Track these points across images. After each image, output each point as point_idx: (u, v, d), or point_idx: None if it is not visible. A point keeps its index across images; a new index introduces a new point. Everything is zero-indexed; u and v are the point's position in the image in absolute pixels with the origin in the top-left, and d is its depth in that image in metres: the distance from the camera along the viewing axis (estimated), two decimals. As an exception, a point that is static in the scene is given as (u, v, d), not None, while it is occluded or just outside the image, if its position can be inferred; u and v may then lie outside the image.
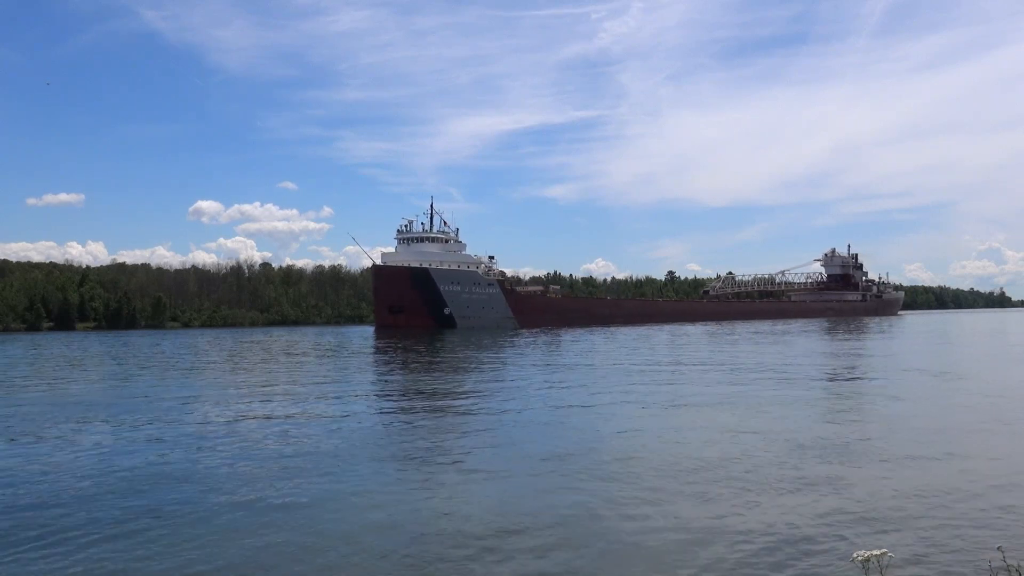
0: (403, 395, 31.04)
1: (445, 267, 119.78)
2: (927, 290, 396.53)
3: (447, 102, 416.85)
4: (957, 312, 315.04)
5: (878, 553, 6.34)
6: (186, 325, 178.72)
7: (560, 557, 10.71)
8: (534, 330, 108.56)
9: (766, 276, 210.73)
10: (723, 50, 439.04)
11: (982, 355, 54.06)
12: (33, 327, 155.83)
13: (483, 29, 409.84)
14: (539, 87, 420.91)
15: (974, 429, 20.56)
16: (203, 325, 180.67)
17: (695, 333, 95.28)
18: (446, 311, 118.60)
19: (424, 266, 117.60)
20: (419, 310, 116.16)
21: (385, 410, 26.25)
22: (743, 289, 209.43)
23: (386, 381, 37.44)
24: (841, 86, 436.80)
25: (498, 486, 14.75)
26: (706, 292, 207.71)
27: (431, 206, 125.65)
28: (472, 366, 44.78)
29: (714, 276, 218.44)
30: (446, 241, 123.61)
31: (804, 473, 15.30)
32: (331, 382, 35.67)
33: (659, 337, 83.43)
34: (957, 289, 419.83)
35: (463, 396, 29.40)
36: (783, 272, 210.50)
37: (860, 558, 6.35)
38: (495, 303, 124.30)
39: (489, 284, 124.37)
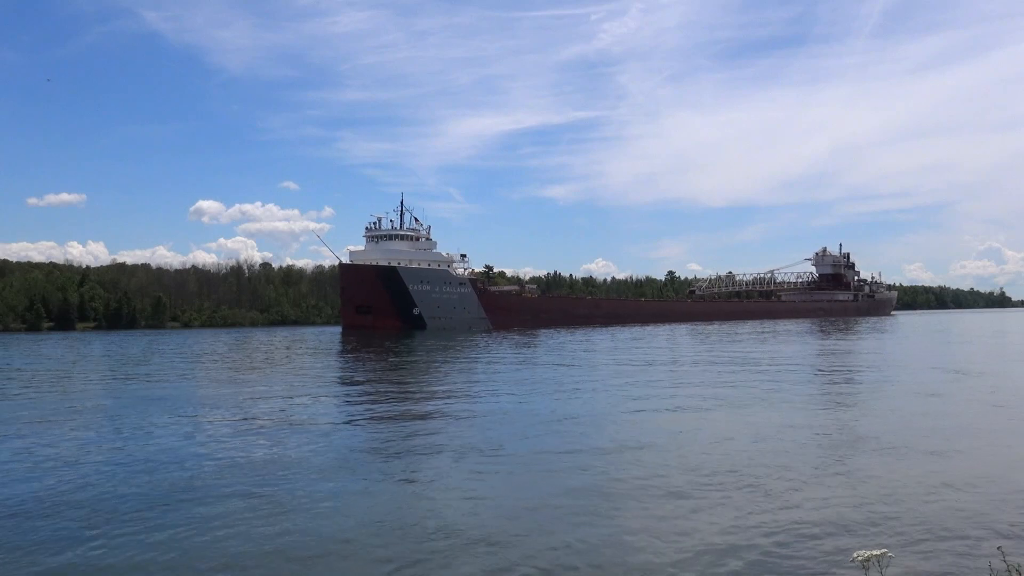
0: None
1: (415, 266, 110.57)
2: (927, 290, 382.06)
3: (447, 103, 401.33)
4: (954, 312, 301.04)
5: (878, 553, 6.03)
6: (186, 325, 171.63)
7: (552, 554, 10.26)
8: (508, 331, 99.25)
9: (755, 276, 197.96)
10: (722, 51, 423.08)
11: (971, 358, 47.62)
12: (33, 327, 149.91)
13: (483, 30, 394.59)
14: (539, 88, 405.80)
15: (973, 428, 19.71)
16: (203, 325, 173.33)
17: (668, 334, 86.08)
18: (415, 311, 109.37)
19: (392, 264, 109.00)
20: (387, 310, 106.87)
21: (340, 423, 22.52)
22: (731, 289, 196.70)
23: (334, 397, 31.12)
24: (840, 87, 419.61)
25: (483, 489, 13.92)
26: (692, 292, 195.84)
27: (401, 203, 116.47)
28: (430, 377, 38.11)
29: (714, 276, 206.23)
30: (416, 239, 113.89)
31: (803, 472, 14.77)
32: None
33: (633, 340, 74.38)
34: (957, 289, 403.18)
35: (413, 419, 24.11)
36: (772, 272, 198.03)
37: (860, 558, 6.06)
38: (467, 303, 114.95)
39: (460, 283, 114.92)
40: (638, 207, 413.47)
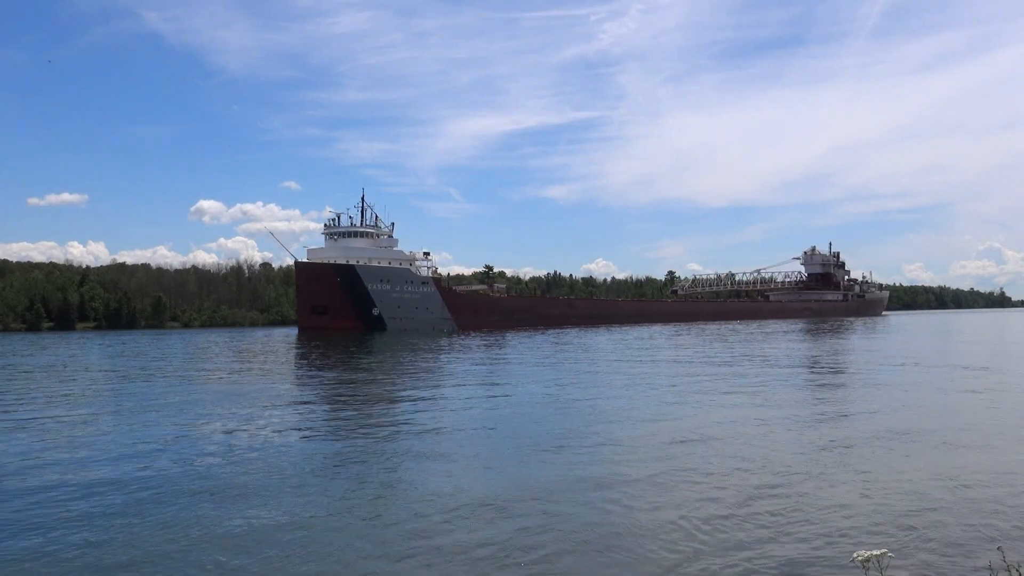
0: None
1: (375, 264, 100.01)
2: (927, 290, 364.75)
3: (447, 103, 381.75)
4: (952, 312, 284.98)
5: (878, 553, 5.73)
6: (186, 325, 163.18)
7: (544, 552, 9.63)
8: (474, 333, 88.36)
9: (743, 275, 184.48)
10: (722, 51, 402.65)
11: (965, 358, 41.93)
12: (33, 327, 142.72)
13: (483, 31, 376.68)
14: (539, 88, 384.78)
15: (972, 429, 18.35)
16: (203, 325, 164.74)
17: (641, 337, 75.08)
18: (375, 312, 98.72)
19: (351, 263, 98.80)
20: (345, 311, 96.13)
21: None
22: (717, 288, 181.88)
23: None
24: (840, 87, 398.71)
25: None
26: (674, 292, 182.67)
27: (362, 199, 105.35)
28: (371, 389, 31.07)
29: (714, 276, 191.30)
30: (377, 236, 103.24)
31: (802, 472, 13.82)
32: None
33: (600, 343, 63.71)
34: (957, 289, 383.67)
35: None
36: (758, 271, 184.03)
37: (860, 558, 5.75)
38: (430, 303, 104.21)
39: (423, 282, 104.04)
40: (638, 207, 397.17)
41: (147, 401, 25.75)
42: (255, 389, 29.74)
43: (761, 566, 9.08)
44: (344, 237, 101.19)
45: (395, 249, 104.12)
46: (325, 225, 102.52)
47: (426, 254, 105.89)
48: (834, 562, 9.08)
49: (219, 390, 29.24)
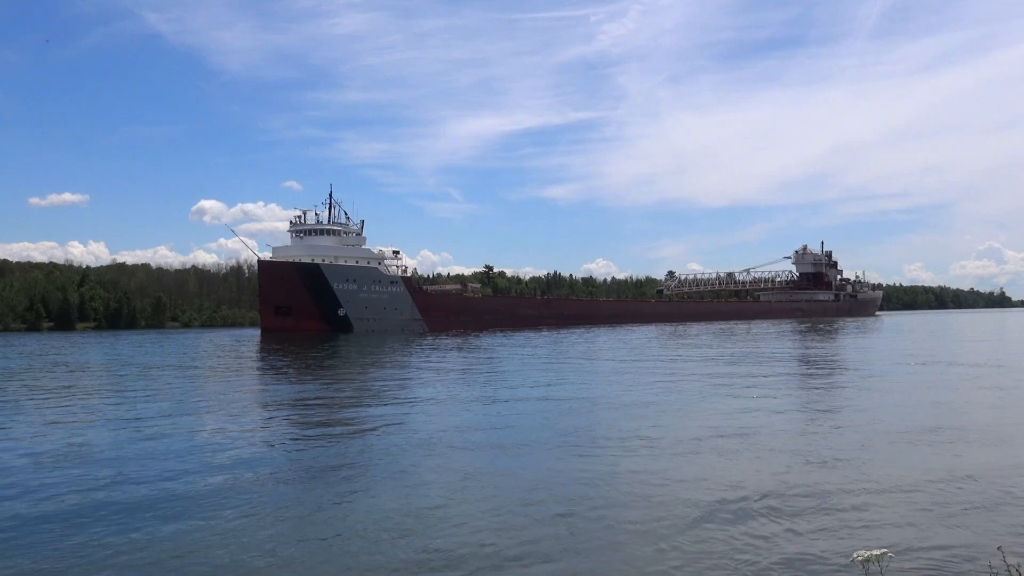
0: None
1: (341, 262, 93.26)
2: (927, 290, 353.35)
3: (447, 104, 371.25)
4: (951, 312, 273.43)
5: (878, 553, 5.56)
6: (186, 325, 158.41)
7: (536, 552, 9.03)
8: (445, 334, 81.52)
9: (733, 275, 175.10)
10: (721, 52, 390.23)
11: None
12: (33, 327, 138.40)
13: (483, 31, 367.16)
14: (539, 89, 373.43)
15: (972, 429, 17.27)
16: (203, 325, 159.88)
17: (614, 340, 68.18)
18: (341, 312, 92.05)
19: (316, 262, 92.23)
20: (309, 311, 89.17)
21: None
22: (705, 288, 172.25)
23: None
24: (839, 88, 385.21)
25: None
26: (660, 292, 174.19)
27: (330, 195, 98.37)
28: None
29: (712, 276, 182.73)
30: (344, 234, 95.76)
31: (803, 471, 13.08)
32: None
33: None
34: (957, 289, 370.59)
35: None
36: (748, 271, 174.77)
37: (860, 558, 5.57)
38: (399, 303, 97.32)
39: (392, 282, 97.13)
40: (638, 207, 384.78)
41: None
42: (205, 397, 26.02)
43: (760, 565, 8.63)
44: (309, 235, 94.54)
45: (363, 247, 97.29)
46: (291, 223, 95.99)
47: (395, 252, 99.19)
48: (834, 562, 8.66)
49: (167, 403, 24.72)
